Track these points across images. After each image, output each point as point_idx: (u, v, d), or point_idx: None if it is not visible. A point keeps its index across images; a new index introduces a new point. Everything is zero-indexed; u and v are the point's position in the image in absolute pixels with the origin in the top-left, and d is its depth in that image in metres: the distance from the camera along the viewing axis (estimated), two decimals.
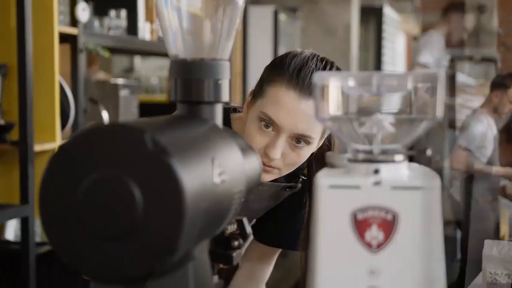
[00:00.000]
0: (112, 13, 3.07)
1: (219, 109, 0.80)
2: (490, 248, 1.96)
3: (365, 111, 0.73)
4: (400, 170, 0.69)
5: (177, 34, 0.81)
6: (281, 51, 5.61)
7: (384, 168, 0.68)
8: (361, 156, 0.70)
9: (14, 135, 2.40)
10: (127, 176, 0.60)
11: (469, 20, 4.56)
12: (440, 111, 0.67)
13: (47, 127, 2.49)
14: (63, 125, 2.61)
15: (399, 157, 0.70)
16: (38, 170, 2.41)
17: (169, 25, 0.81)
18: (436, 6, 9.64)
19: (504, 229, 4.80)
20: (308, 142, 1.26)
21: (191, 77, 0.79)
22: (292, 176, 1.41)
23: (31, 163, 2.33)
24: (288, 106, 1.22)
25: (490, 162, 4.35)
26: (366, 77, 0.70)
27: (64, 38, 2.68)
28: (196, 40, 0.80)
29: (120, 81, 3.20)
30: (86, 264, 0.62)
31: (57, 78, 2.52)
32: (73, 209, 0.62)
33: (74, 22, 2.70)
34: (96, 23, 2.99)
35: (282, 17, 5.03)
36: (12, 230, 2.61)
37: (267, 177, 1.30)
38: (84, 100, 2.81)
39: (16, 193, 2.38)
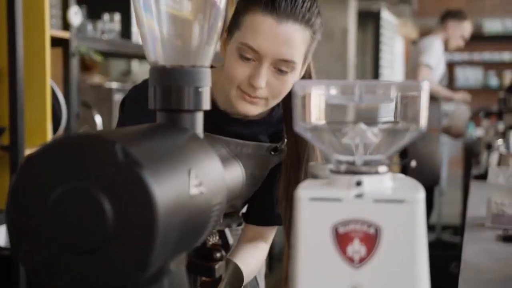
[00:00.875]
0: (106, 16, 3.05)
1: (199, 117, 0.78)
2: (496, 175, 1.82)
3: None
4: (383, 182, 0.67)
5: (156, 40, 0.78)
6: None
7: (367, 180, 0.66)
8: (343, 167, 0.68)
9: (4, 139, 2.37)
10: (97, 188, 0.58)
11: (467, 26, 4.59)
12: (424, 122, 0.65)
13: (39, 131, 2.47)
14: (55, 130, 2.59)
15: (382, 169, 0.68)
16: None
17: (148, 30, 0.79)
18: (434, 10, 9.64)
19: None
20: (291, 68, 1.24)
21: (171, 84, 0.76)
22: (275, 138, 1.39)
23: None
24: (267, 32, 1.21)
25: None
26: (348, 86, 0.67)
27: (57, 41, 2.65)
28: (176, 47, 0.78)
29: (115, 85, 3.18)
30: (54, 278, 0.59)
31: (49, 82, 2.49)
32: (42, 221, 0.59)
33: (66, 25, 2.67)
34: (90, 26, 2.96)
35: None
36: (2, 236, 2.58)
37: (255, 109, 1.27)
38: (77, 105, 2.78)
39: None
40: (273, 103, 1.29)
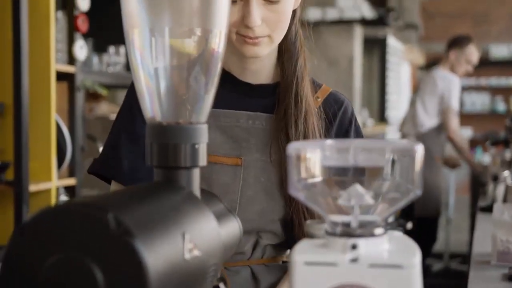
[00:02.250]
0: (111, 49, 3.07)
1: (196, 174, 0.78)
2: (501, 212, 1.78)
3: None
4: (379, 245, 0.66)
5: (153, 96, 0.78)
6: None
7: (363, 243, 0.65)
8: (338, 229, 0.67)
9: (9, 174, 2.38)
10: (89, 258, 0.58)
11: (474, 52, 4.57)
12: (418, 186, 0.65)
13: (43, 166, 2.47)
14: (60, 164, 2.59)
15: (378, 231, 0.67)
16: (33, 211, 2.39)
17: (145, 87, 0.79)
18: (440, 36, 9.67)
19: None
20: None
21: (167, 141, 0.76)
22: None
23: (25, 204, 2.31)
24: None
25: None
26: (343, 147, 0.67)
27: (62, 76, 2.67)
28: (173, 103, 0.78)
29: None
30: None
31: (54, 116, 2.51)
32: None
33: (72, 60, 2.69)
34: (95, 59, 2.98)
35: None
36: None
37: (260, 50, 1.20)
38: (82, 138, 2.79)
39: (10, 233, 2.35)
40: (278, 37, 1.21)
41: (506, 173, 2.98)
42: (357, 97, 5.76)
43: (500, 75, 9.66)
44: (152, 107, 0.79)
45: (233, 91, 1.28)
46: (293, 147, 0.68)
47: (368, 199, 0.67)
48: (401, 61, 8.13)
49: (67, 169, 2.66)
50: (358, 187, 0.67)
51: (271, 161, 1.24)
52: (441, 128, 4.47)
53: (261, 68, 1.29)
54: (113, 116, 3.24)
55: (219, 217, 0.77)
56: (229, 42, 1.22)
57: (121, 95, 4.46)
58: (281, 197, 1.25)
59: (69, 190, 2.73)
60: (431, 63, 9.71)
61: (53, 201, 2.52)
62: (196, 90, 0.79)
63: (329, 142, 0.69)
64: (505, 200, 2.71)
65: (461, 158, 4.76)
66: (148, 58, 0.78)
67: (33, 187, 2.40)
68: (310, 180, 0.69)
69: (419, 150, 0.65)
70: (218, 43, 0.80)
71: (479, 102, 9.84)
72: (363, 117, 6.06)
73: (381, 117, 7.19)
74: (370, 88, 7.20)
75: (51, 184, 2.49)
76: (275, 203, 1.24)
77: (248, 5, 1.15)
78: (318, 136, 1.25)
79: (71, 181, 2.68)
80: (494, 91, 9.80)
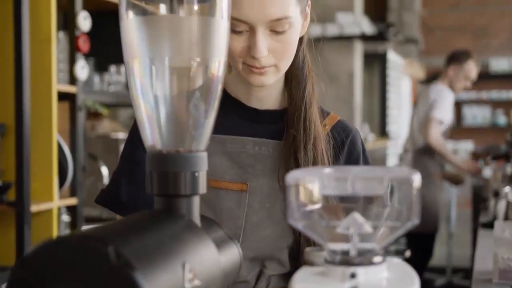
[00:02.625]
0: (113, 68, 3.09)
1: (196, 202, 0.78)
2: (502, 229, 1.78)
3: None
4: (378, 273, 0.67)
5: (153, 125, 0.79)
6: None
7: (362, 272, 0.66)
8: (337, 258, 0.68)
9: (10, 195, 2.38)
10: None
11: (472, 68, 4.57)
12: (416, 214, 0.65)
13: (45, 186, 2.48)
14: (61, 184, 2.60)
15: (377, 259, 0.67)
16: (34, 232, 2.39)
17: (145, 115, 0.79)
18: (441, 50, 9.70)
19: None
20: (288, 25, 1.15)
21: (167, 169, 0.77)
22: None
23: (27, 224, 2.31)
24: None
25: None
26: (341, 176, 0.68)
27: (63, 95, 2.68)
28: (173, 132, 0.79)
29: (121, 135, 3.20)
30: None
31: (55, 137, 2.52)
32: None
33: (73, 80, 2.71)
34: (96, 78, 3.00)
35: None
36: None
37: (267, 79, 1.19)
38: (83, 157, 2.80)
39: (12, 254, 2.36)
40: (285, 66, 1.20)
41: (507, 189, 2.98)
42: (357, 112, 5.77)
43: (501, 88, 9.69)
44: (152, 135, 0.79)
45: (240, 117, 1.28)
46: (292, 176, 0.68)
47: (367, 227, 0.67)
48: (401, 75, 8.16)
49: (68, 188, 2.67)
50: (356, 216, 0.68)
51: (280, 186, 1.23)
52: None
53: (268, 95, 1.28)
54: (114, 135, 3.26)
55: (219, 244, 0.77)
56: (236, 70, 1.22)
57: (123, 113, 4.48)
58: (287, 224, 1.24)
59: (71, 209, 2.73)
60: (432, 77, 9.76)
61: (54, 221, 2.53)
62: (196, 118, 0.80)
63: (328, 170, 0.70)
64: (506, 216, 2.71)
65: (451, 165, 4.75)
66: (148, 87, 0.79)
67: (34, 208, 2.40)
68: (309, 209, 0.70)
69: (416, 179, 0.66)
70: (218, 71, 0.81)
71: (480, 115, 9.87)
72: (364, 132, 6.07)
73: (382, 132, 7.20)
74: (370, 102, 7.22)
75: (52, 204, 2.49)
76: (280, 230, 1.23)
77: (254, 36, 1.14)
78: (327, 162, 1.25)
79: (72, 201, 2.68)
80: (495, 104, 9.82)
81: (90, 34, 2.79)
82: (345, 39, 5.45)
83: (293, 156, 1.23)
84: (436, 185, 4.43)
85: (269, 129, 1.28)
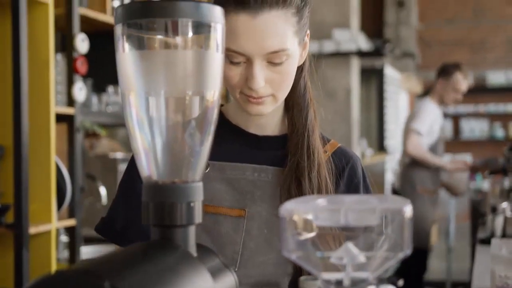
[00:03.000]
0: (110, 89, 3.10)
1: (192, 232, 0.79)
2: (499, 247, 1.78)
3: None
4: None
5: (149, 156, 0.80)
6: None
7: None
8: (331, 287, 0.69)
9: (9, 217, 2.39)
10: None
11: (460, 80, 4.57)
12: (408, 245, 0.66)
13: (43, 208, 2.49)
14: (60, 205, 2.61)
15: None
16: (33, 253, 2.40)
17: (141, 146, 0.81)
18: (438, 64, 9.75)
19: (434, 235, 4.78)
20: (285, 56, 1.15)
21: (163, 200, 0.78)
22: None
23: (26, 247, 2.32)
24: (244, 30, 1.13)
25: (432, 151, 4.46)
26: (334, 209, 0.69)
27: (62, 117, 2.70)
28: (168, 163, 0.80)
29: (120, 155, 3.21)
30: None
31: (54, 159, 2.53)
32: None
33: (71, 101, 2.72)
34: (95, 99, 3.01)
35: None
36: None
37: (265, 108, 1.20)
38: (81, 178, 2.81)
39: (10, 277, 2.36)
40: (282, 96, 1.21)
41: (504, 204, 2.99)
42: (355, 128, 5.79)
43: (498, 101, 9.71)
44: (148, 166, 0.80)
45: (240, 144, 1.29)
46: (285, 208, 0.69)
47: (361, 257, 0.68)
48: (398, 89, 8.19)
49: (66, 209, 2.67)
50: (350, 246, 0.69)
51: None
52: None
53: (267, 121, 1.29)
54: (112, 155, 3.27)
55: (215, 273, 0.78)
56: (234, 98, 1.23)
57: (121, 132, 4.49)
58: None
59: (69, 230, 2.74)
60: (428, 91, 9.78)
61: (53, 242, 2.53)
62: (191, 148, 0.81)
63: (321, 202, 0.71)
64: (504, 232, 2.72)
65: (446, 174, 4.72)
66: (144, 119, 0.80)
67: (33, 229, 2.41)
68: (303, 239, 0.71)
69: (408, 210, 0.67)
70: (213, 101, 0.82)
71: (478, 128, 9.89)
72: (362, 147, 6.08)
73: (380, 147, 7.21)
74: (368, 117, 7.24)
75: (51, 226, 2.50)
76: (280, 256, 1.23)
77: (251, 67, 1.15)
78: (330, 189, 1.25)
79: (71, 222, 2.69)
80: (493, 117, 9.85)
81: (88, 55, 2.81)
82: (342, 55, 5.48)
83: (295, 183, 1.24)
84: (425, 200, 4.41)
85: (269, 155, 1.28)
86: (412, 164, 4.45)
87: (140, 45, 0.82)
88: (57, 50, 2.80)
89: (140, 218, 0.78)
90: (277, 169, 1.26)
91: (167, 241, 0.77)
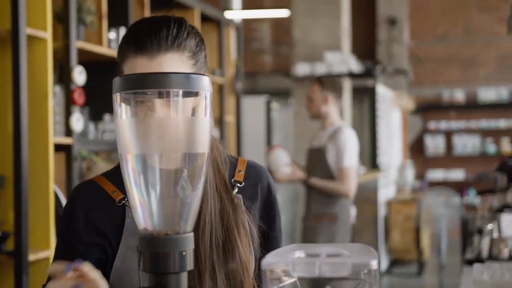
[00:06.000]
0: (107, 117, 3.19)
1: (184, 278, 0.89)
2: (481, 272, 1.84)
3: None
4: None
5: (145, 210, 0.90)
6: (275, 138, 5.74)
7: None
8: None
9: (9, 245, 2.47)
10: None
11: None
12: None
13: (42, 236, 2.57)
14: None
15: None
16: (32, 280, 2.47)
17: (138, 203, 0.90)
18: (430, 80, 9.86)
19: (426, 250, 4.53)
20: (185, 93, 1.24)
21: (158, 250, 0.88)
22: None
23: (25, 274, 2.40)
24: (142, 71, 1.19)
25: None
26: (310, 262, 0.78)
27: (60, 147, 2.78)
28: (162, 216, 0.90)
29: None
30: None
31: (52, 187, 2.61)
32: None
33: (69, 131, 2.81)
34: (92, 127, 3.10)
35: (275, 105, 5.17)
36: None
37: None
38: None
39: None
40: None
41: (490, 226, 3.07)
42: None
43: (489, 117, 9.82)
44: (144, 219, 0.90)
45: None
46: (266, 262, 0.78)
47: None
48: (391, 107, 8.29)
49: None
50: None
51: None
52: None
53: None
54: None
55: None
56: None
57: (117, 156, 4.57)
58: None
59: None
60: (422, 108, 9.95)
61: None
62: (183, 202, 0.91)
63: (299, 255, 0.80)
64: (490, 253, 2.79)
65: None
66: (140, 177, 0.90)
67: (32, 256, 2.49)
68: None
69: (374, 263, 0.76)
70: (203, 160, 0.92)
71: (470, 144, 9.99)
72: None
73: (373, 164, 7.30)
74: (361, 136, 7.30)
75: (49, 252, 2.58)
76: None
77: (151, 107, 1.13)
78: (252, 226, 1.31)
79: None
80: (485, 133, 9.95)
81: (85, 85, 2.90)
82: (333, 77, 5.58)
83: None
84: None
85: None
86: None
87: (136, 112, 0.92)
88: (55, 81, 2.90)
89: None
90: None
91: (162, 287, 0.86)
